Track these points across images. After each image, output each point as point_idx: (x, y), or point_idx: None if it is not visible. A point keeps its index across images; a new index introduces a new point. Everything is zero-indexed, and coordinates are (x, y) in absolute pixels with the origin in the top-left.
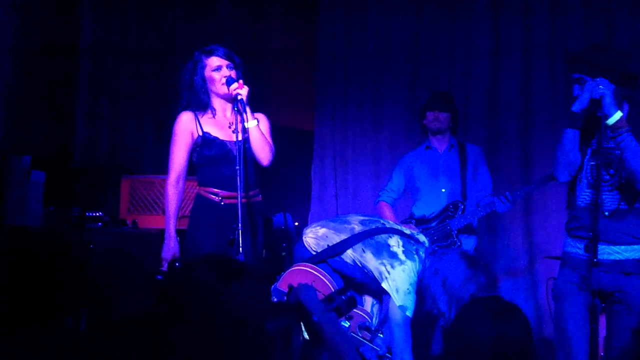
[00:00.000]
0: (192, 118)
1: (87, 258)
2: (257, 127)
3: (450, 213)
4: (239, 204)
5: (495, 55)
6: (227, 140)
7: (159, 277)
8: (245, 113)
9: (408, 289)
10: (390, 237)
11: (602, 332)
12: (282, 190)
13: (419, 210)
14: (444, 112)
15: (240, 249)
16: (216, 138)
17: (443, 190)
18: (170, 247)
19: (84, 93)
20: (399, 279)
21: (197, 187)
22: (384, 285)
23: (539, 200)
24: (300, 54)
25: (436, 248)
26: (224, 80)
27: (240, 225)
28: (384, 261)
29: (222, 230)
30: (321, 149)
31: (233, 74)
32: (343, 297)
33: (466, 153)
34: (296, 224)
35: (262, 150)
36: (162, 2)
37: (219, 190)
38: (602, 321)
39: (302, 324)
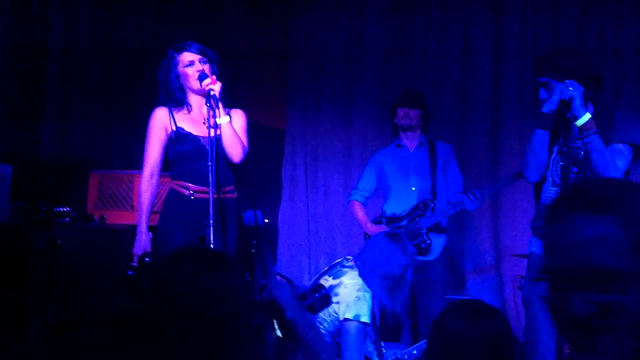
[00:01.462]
0: (167, 113)
1: (55, 254)
2: (229, 123)
3: (420, 212)
4: (210, 200)
5: (467, 56)
6: (200, 136)
7: (130, 272)
8: (218, 109)
9: (357, 297)
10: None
11: None
12: (252, 187)
13: (390, 209)
14: (415, 109)
15: (212, 245)
16: (189, 133)
17: (413, 188)
18: (142, 242)
19: (53, 88)
20: (343, 295)
21: (170, 182)
22: (341, 314)
23: (506, 198)
24: (273, 52)
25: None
26: (196, 75)
27: (211, 221)
28: (333, 299)
29: (193, 226)
30: (292, 147)
31: (207, 68)
32: (317, 295)
33: (436, 151)
34: (266, 220)
35: (233, 147)
36: (130, 1)
37: (190, 185)
38: None
39: (275, 321)
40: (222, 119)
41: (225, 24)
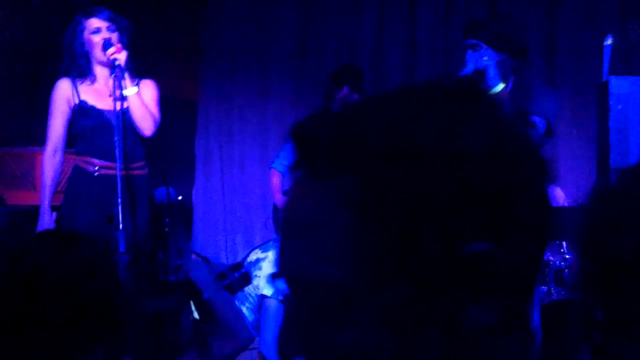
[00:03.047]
0: (69, 85)
1: None
2: (138, 94)
3: None
4: (118, 177)
5: (381, 16)
6: (105, 110)
7: None
8: (124, 79)
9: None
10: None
11: None
12: (164, 163)
13: None
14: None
15: (120, 225)
16: (93, 107)
17: None
18: (45, 222)
19: None
20: (265, 270)
21: (75, 159)
22: (260, 289)
23: None
24: (186, 19)
25: None
26: (101, 43)
27: (119, 200)
28: (256, 273)
29: (98, 205)
30: (205, 121)
31: (115, 37)
32: (236, 274)
33: None
34: (180, 197)
35: (142, 120)
36: None
37: (95, 160)
38: None
39: (192, 302)
40: (129, 90)
41: None
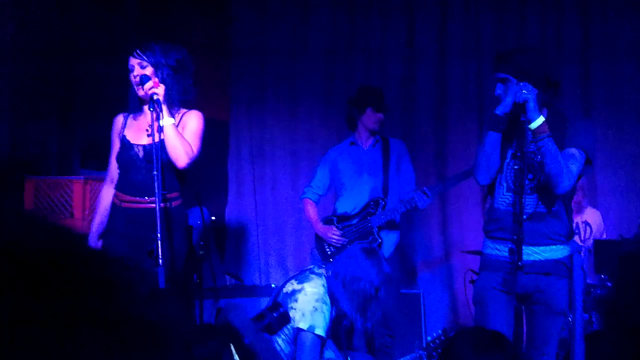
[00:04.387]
0: (121, 121)
1: None
2: (173, 126)
3: (371, 210)
4: (157, 211)
5: (411, 51)
6: (135, 144)
7: None
8: (162, 112)
9: (314, 307)
10: (285, 285)
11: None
12: (197, 184)
13: (341, 207)
14: (384, 114)
15: (160, 260)
16: (128, 142)
17: (366, 186)
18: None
19: None
20: (302, 303)
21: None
22: (295, 322)
23: (454, 193)
24: (216, 45)
25: (357, 244)
26: (137, 80)
27: (159, 235)
28: (292, 305)
29: (130, 238)
30: (237, 141)
31: (150, 71)
32: (275, 314)
33: (389, 148)
34: (213, 218)
35: (174, 150)
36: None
37: (122, 195)
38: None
39: (232, 346)
40: (166, 121)
41: (172, 20)
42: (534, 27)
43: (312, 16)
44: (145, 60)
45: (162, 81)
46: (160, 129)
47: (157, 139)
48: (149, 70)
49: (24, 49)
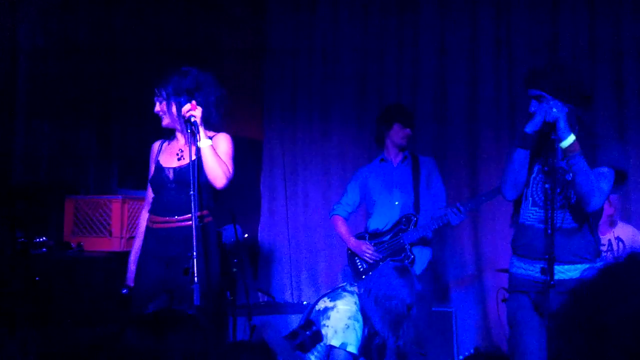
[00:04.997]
0: (157, 147)
1: (33, 287)
2: (211, 147)
3: (403, 226)
4: (194, 229)
5: (441, 57)
6: (165, 167)
7: (124, 290)
8: (199, 133)
9: (346, 325)
10: (317, 302)
11: None
12: (231, 201)
13: (373, 224)
14: (411, 130)
15: (196, 278)
16: (160, 165)
17: (396, 203)
18: (130, 271)
19: (22, 109)
20: (334, 320)
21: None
22: (328, 339)
23: (485, 211)
24: (248, 62)
25: (390, 261)
26: (160, 112)
27: (195, 253)
28: (324, 322)
29: (158, 257)
30: (270, 159)
31: (159, 106)
32: (307, 332)
33: (419, 165)
34: (246, 235)
35: (213, 172)
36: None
37: (154, 216)
38: None
39: None
40: (203, 142)
41: (210, 28)
42: (567, 28)
43: (342, 41)
44: (161, 96)
45: (199, 104)
46: (198, 151)
47: (193, 158)
48: (164, 105)
49: (63, 73)
